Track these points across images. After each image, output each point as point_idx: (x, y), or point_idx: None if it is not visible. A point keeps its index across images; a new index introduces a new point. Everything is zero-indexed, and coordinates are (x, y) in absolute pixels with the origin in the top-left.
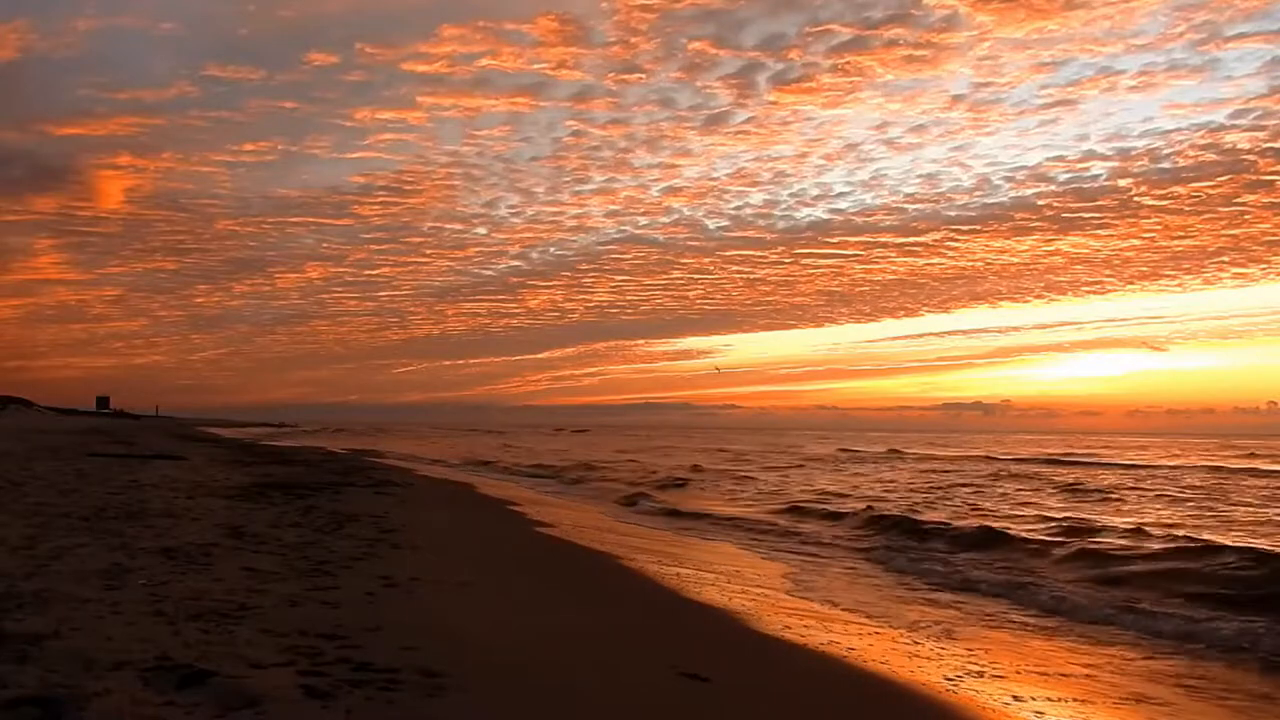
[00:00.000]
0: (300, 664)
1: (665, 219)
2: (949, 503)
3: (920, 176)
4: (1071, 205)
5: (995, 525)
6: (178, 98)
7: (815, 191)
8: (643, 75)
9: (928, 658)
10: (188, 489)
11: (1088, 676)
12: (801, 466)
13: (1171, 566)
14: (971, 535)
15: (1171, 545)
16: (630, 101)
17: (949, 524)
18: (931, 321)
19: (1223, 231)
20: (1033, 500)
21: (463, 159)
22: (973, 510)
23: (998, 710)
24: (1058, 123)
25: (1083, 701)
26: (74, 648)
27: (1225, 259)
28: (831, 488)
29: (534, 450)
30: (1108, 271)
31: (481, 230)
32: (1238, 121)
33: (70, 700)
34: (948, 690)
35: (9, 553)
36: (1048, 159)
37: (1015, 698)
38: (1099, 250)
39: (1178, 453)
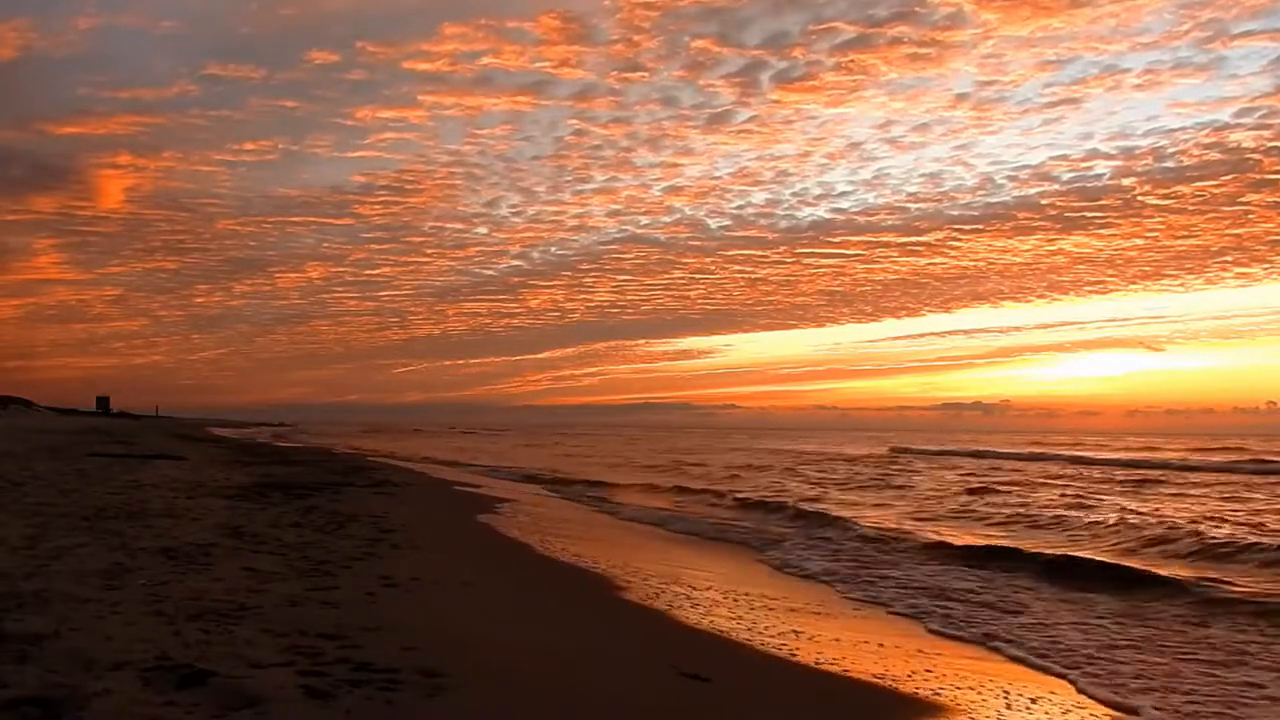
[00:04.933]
0: (300, 664)
1: (667, 218)
2: None
3: (923, 175)
4: (1075, 204)
5: None
6: (178, 96)
7: (817, 191)
8: (645, 74)
9: None
10: (188, 489)
11: None
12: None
13: None
14: None
15: None
16: (632, 100)
17: None
18: (933, 321)
19: (1226, 231)
20: None
21: (464, 158)
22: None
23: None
24: (1062, 121)
25: None
26: (74, 648)
27: (1228, 258)
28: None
29: None
30: (1110, 271)
31: (482, 230)
32: (1243, 120)
33: (70, 700)
34: (935, 694)
35: (9, 553)
36: (1051, 158)
37: None
38: (1102, 250)
39: None
